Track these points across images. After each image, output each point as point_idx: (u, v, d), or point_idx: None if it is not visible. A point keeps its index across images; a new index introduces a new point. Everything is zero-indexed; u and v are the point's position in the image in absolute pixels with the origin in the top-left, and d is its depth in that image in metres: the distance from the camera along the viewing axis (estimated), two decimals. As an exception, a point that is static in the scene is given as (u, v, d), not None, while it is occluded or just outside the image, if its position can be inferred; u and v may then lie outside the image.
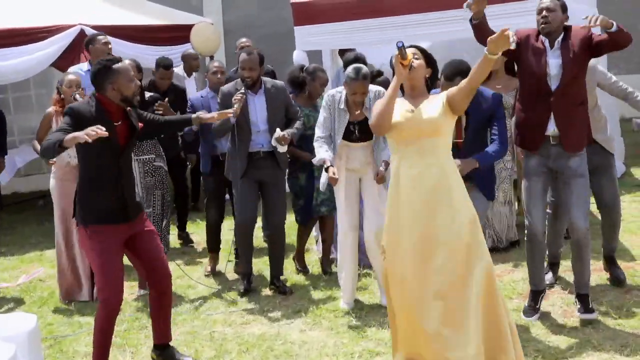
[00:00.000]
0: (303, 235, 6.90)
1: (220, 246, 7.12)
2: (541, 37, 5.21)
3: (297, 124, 6.32)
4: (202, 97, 6.90)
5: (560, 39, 5.17)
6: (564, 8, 5.23)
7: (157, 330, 5.09)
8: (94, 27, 8.46)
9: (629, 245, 6.78)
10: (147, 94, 6.64)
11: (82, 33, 8.36)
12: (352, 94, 5.66)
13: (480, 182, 5.20)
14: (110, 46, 7.42)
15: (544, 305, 5.57)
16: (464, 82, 4.20)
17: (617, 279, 5.86)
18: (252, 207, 6.26)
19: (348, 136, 5.79)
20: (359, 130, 5.76)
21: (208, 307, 6.08)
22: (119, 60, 4.78)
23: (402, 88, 4.41)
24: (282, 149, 6.11)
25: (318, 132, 5.83)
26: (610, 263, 5.99)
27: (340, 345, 5.17)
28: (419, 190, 4.22)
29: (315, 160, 5.80)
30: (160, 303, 5.02)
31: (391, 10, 6.97)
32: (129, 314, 6.03)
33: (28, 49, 8.21)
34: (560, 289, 5.88)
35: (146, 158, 6.50)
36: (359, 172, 5.85)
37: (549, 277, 5.99)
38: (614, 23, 4.92)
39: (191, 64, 8.88)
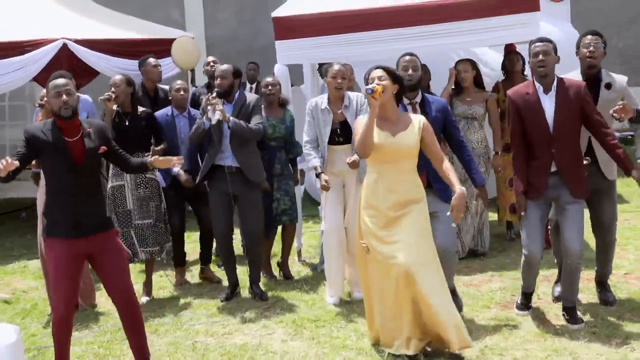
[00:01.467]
0: (266, 245, 6.92)
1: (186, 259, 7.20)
2: (535, 84, 5.29)
3: (253, 122, 6.25)
4: (167, 115, 6.93)
5: (555, 84, 5.26)
6: (556, 50, 5.30)
7: (133, 348, 5.05)
8: (76, 42, 8.45)
9: (615, 257, 6.80)
10: (140, 109, 6.59)
11: (64, 47, 8.33)
12: (332, 78, 6.05)
13: (439, 187, 5.46)
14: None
15: (521, 315, 5.62)
16: (435, 152, 4.98)
17: (605, 301, 5.78)
18: (227, 219, 6.37)
19: (332, 139, 6.08)
20: (341, 130, 6.08)
21: (190, 318, 6.06)
22: (58, 76, 4.81)
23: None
24: (216, 116, 6.09)
25: (305, 137, 6.17)
26: (601, 287, 5.91)
27: (321, 355, 5.16)
28: (395, 195, 4.89)
29: (306, 167, 6.14)
30: (127, 320, 4.97)
31: (373, 24, 6.98)
32: (112, 324, 6.00)
33: (12, 62, 8.18)
34: (536, 298, 5.91)
35: (137, 171, 6.45)
36: (342, 175, 6.12)
37: (557, 289, 5.94)
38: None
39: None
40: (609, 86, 5.58)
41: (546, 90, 5.27)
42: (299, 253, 7.51)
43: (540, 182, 5.31)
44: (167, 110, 6.99)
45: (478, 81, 7.16)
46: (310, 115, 6.17)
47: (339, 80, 6.06)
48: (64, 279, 4.74)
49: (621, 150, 5.24)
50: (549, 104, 5.25)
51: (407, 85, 5.46)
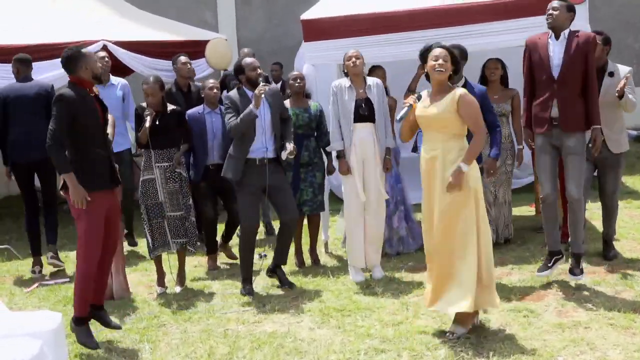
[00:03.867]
0: (297, 232, 7.00)
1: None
2: (549, 33, 5.81)
3: (290, 124, 6.49)
4: (199, 113, 7.07)
5: (566, 33, 5.74)
6: (569, 8, 5.79)
7: (94, 291, 5.34)
8: (115, 43, 8.50)
9: (621, 250, 6.76)
10: (170, 107, 6.62)
11: (104, 48, 8.39)
12: (348, 60, 6.44)
13: None
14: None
15: (540, 306, 5.58)
16: (472, 124, 5.04)
17: (606, 257, 6.53)
18: (255, 213, 6.42)
19: (357, 114, 6.41)
20: (365, 106, 6.42)
21: (222, 306, 6.08)
22: (84, 46, 5.42)
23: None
24: (291, 157, 6.28)
25: (332, 119, 6.53)
26: (605, 245, 6.64)
27: (347, 342, 5.16)
28: (436, 156, 5.04)
29: (330, 149, 6.61)
30: (104, 263, 5.38)
31: (400, 26, 6.96)
32: (148, 312, 6.03)
33: (55, 63, 8.23)
34: (555, 291, 5.86)
35: (167, 165, 6.49)
36: (363, 151, 6.45)
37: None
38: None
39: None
40: (611, 74, 6.48)
41: (556, 37, 5.77)
42: (326, 245, 7.50)
43: (543, 116, 5.82)
44: (199, 108, 7.13)
45: (504, 80, 7.24)
46: (334, 94, 6.46)
47: (354, 60, 6.40)
48: (101, 230, 5.24)
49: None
50: (557, 48, 5.75)
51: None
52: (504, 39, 6.86)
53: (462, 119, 5.00)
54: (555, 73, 5.74)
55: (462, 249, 4.97)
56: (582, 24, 7.99)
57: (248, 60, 6.42)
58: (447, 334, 5.10)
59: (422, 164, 5.14)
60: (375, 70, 7.24)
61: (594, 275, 6.12)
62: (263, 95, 6.17)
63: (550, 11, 5.78)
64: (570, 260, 5.95)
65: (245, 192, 6.29)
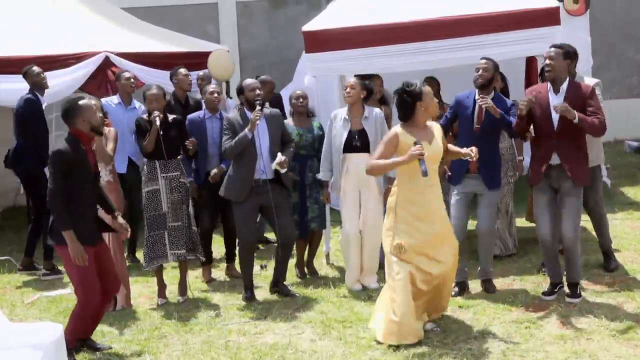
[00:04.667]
0: (301, 246, 7.05)
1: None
2: (547, 86, 5.73)
3: (291, 148, 6.52)
4: (199, 117, 7.05)
5: (564, 86, 5.65)
6: (567, 55, 5.69)
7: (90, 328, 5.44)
8: (117, 54, 8.50)
9: (622, 261, 6.74)
10: (170, 117, 6.62)
11: (106, 60, 8.40)
12: (344, 89, 6.53)
13: (486, 174, 6.08)
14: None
15: (541, 317, 5.57)
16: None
17: (606, 268, 6.53)
18: (253, 230, 6.51)
19: (349, 145, 6.45)
20: (359, 137, 6.44)
21: (223, 318, 6.06)
22: (83, 97, 5.45)
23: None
24: (282, 171, 6.29)
25: (325, 147, 6.63)
26: (605, 256, 6.64)
27: (348, 354, 5.14)
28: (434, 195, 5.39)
29: (319, 177, 6.67)
30: (103, 305, 5.46)
31: (400, 38, 6.96)
32: (149, 323, 6.01)
33: (57, 74, 8.25)
34: (557, 302, 5.84)
35: (172, 175, 6.48)
36: (358, 181, 6.44)
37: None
38: (576, 116, 5.49)
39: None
40: None
41: (555, 91, 5.69)
42: (327, 256, 7.48)
43: (540, 169, 5.77)
44: (199, 113, 7.12)
45: (505, 92, 7.20)
46: (330, 125, 6.58)
47: (348, 90, 6.45)
48: (96, 280, 5.25)
49: (593, 119, 5.60)
50: (557, 101, 5.61)
51: (478, 84, 6.09)
52: (505, 51, 6.85)
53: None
54: (555, 127, 5.66)
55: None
56: (582, 35, 8.04)
57: (249, 81, 6.46)
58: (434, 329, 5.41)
59: (418, 198, 5.31)
60: (372, 78, 7.23)
61: (595, 287, 6.10)
62: (259, 119, 6.21)
63: (548, 61, 5.66)
64: (566, 289, 5.91)
65: (241, 209, 6.35)
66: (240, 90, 6.41)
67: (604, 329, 5.23)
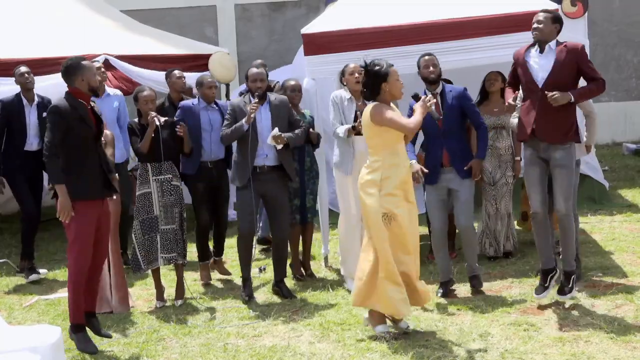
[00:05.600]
0: (297, 233, 7.01)
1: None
2: (535, 45, 5.71)
3: (298, 130, 6.53)
4: (193, 104, 6.98)
5: (552, 46, 5.64)
6: (555, 19, 5.70)
7: (85, 298, 5.41)
8: (117, 57, 8.49)
9: (621, 263, 6.74)
10: (162, 119, 6.59)
11: (106, 62, 8.39)
12: (350, 75, 6.50)
13: (458, 166, 6.13)
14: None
15: (540, 319, 5.55)
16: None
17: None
18: (252, 219, 6.44)
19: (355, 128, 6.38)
20: None
21: (222, 320, 6.05)
22: (85, 58, 5.51)
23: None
24: (278, 147, 6.32)
25: (333, 122, 6.58)
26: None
27: (347, 357, 5.13)
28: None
29: (341, 132, 6.47)
30: (95, 270, 5.48)
31: (399, 40, 6.96)
32: (148, 326, 6.00)
33: (58, 76, 8.22)
34: (555, 304, 5.83)
35: (164, 178, 6.47)
36: (359, 164, 6.20)
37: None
38: (571, 96, 5.49)
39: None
40: None
41: (541, 50, 5.66)
42: (326, 259, 7.47)
43: (528, 121, 5.68)
44: (194, 100, 7.05)
45: (503, 92, 7.15)
46: (335, 104, 6.57)
47: (357, 75, 6.39)
48: (92, 237, 5.34)
49: (590, 86, 5.62)
50: (543, 61, 5.63)
51: (430, 80, 6.15)
52: (503, 53, 6.82)
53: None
54: (540, 84, 5.63)
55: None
56: (580, 38, 8.01)
57: (253, 70, 6.54)
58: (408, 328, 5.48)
59: (404, 174, 5.41)
60: None
61: (594, 289, 6.09)
62: (255, 112, 6.26)
63: (535, 24, 5.69)
64: (561, 277, 5.82)
65: (243, 196, 6.38)
66: (246, 77, 6.56)
67: (603, 331, 5.22)
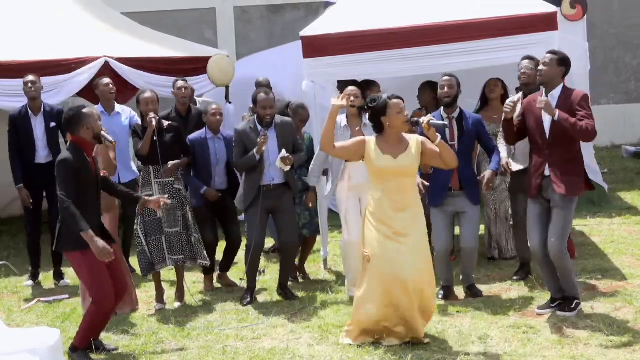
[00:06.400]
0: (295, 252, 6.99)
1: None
2: (542, 93, 5.54)
3: (300, 155, 6.61)
4: (201, 138, 6.91)
5: (556, 94, 5.49)
6: (561, 62, 5.51)
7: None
8: (117, 59, 8.49)
9: (620, 265, 6.74)
10: (165, 123, 6.60)
11: (106, 65, 8.39)
12: (346, 97, 6.17)
13: (470, 191, 6.10)
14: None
15: (539, 322, 5.55)
16: (445, 154, 5.27)
17: (515, 272, 6.57)
18: (261, 234, 6.48)
19: None
20: None
21: (221, 323, 6.04)
22: (85, 106, 5.51)
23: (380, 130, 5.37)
24: (286, 168, 6.37)
25: (319, 155, 6.46)
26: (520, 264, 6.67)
27: (346, 359, 5.12)
28: (398, 207, 5.23)
29: (309, 181, 6.64)
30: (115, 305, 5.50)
31: (399, 43, 6.95)
32: (147, 328, 5.99)
33: (57, 79, 8.25)
34: (554, 307, 5.82)
35: (166, 181, 6.47)
36: (359, 189, 6.28)
37: (516, 277, 6.58)
38: (556, 114, 5.35)
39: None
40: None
41: (546, 95, 5.49)
42: (325, 262, 7.47)
43: (534, 182, 5.61)
44: (201, 133, 6.96)
45: (505, 100, 7.08)
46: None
47: (352, 99, 6.28)
48: (108, 280, 5.30)
49: (582, 123, 5.37)
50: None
51: (444, 103, 6.09)
52: (503, 56, 6.84)
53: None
54: (547, 136, 5.51)
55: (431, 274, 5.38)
56: (580, 40, 8.03)
57: (263, 96, 6.44)
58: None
59: (390, 219, 5.25)
60: (370, 85, 7.25)
61: (593, 292, 6.08)
62: (266, 143, 6.30)
63: (540, 66, 5.57)
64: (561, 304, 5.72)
65: (251, 213, 6.45)
66: (254, 102, 6.51)
67: (602, 333, 5.21)
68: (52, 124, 7.48)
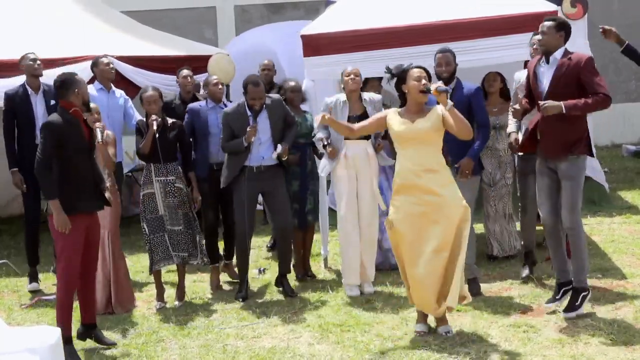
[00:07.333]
0: (299, 237, 6.98)
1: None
2: (542, 57, 5.61)
3: (294, 128, 6.62)
4: (200, 106, 6.96)
5: (557, 56, 5.49)
6: (559, 27, 5.52)
7: (83, 310, 5.57)
8: (118, 58, 8.49)
9: (620, 265, 6.73)
10: (170, 120, 6.60)
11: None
12: (347, 76, 6.43)
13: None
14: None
15: (540, 321, 5.54)
16: (456, 125, 5.22)
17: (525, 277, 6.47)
18: (250, 218, 6.44)
19: None
20: (359, 120, 6.15)
21: (221, 322, 6.04)
22: (76, 74, 5.57)
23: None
24: (285, 157, 6.44)
25: (320, 127, 6.44)
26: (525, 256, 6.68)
27: (346, 358, 5.12)
28: (419, 167, 5.27)
29: (315, 140, 6.55)
30: (86, 282, 5.53)
31: (399, 42, 6.96)
32: (147, 327, 5.99)
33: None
34: (555, 307, 5.82)
35: (167, 180, 6.47)
36: (356, 167, 6.43)
37: (525, 271, 6.54)
38: (562, 107, 5.31)
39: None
40: None
41: (547, 61, 5.53)
42: (325, 260, 7.47)
43: (533, 133, 5.64)
44: (202, 102, 7.04)
45: (504, 93, 7.18)
46: (328, 111, 6.23)
47: (353, 77, 6.43)
48: (80, 251, 5.37)
49: (587, 99, 5.36)
50: (548, 72, 5.51)
51: (442, 78, 6.01)
52: (503, 55, 6.86)
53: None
54: (543, 96, 5.49)
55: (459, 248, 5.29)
56: (581, 40, 8.02)
57: (252, 87, 6.43)
58: (446, 334, 5.34)
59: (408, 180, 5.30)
60: (370, 81, 7.24)
61: (593, 291, 6.07)
62: (255, 134, 6.33)
63: (539, 35, 5.60)
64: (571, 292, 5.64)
65: (241, 198, 6.39)
66: (245, 88, 6.49)
67: (602, 333, 5.21)
68: (52, 102, 7.28)
